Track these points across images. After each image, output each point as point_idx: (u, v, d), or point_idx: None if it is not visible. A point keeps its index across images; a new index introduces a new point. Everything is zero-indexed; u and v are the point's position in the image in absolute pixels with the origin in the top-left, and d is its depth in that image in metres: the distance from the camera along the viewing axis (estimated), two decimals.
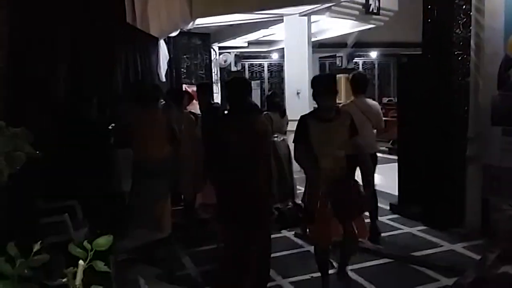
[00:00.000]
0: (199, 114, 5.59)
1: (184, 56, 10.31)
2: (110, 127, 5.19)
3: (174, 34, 8.81)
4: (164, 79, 8.79)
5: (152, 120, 4.66)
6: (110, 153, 4.90)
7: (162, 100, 5.78)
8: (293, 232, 5.20)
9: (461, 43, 4.84)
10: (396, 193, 5.94)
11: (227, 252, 3.33)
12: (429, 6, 5.06)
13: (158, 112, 4.87)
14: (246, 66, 16.68)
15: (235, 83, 3.52)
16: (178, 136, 4.91)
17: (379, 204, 5.18)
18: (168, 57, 8.94)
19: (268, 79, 17.39)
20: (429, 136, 5.22)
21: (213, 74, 11.62)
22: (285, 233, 5.25)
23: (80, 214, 4.17)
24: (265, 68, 17.18)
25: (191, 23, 7.45)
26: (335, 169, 3.28)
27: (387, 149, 9.92)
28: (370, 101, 5.07)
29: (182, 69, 10.31)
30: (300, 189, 7.54)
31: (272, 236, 5.00)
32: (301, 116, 3.42)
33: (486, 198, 4.72)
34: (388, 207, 5.93)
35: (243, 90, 3.45)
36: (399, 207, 5.82)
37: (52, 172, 3.83)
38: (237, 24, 9.28)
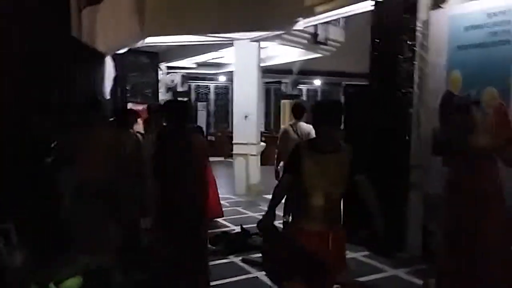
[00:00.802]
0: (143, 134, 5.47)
1: (131, 74, 10.07)
2: (52, 145, 4.91)
3: (121, 51, 8.61)
4: (108, 97, 8.52)
5: (93, 138, 4.41)
6: (51, 172, 4.62)
7: (110, 118, 5.58)
8: (240, 258, 5.13)
9: (405, 77, 5.10)
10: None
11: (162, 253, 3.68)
12: (377, 40, 5.30)
13: (100, 130, 4.60)
14: (193, 87, 16.62)
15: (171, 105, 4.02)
16: (122, 156, 4.72)
17: None
18: (114, 74, 8.70)
19: (215, 101, 17.41)
20: (373, 163, 5.39)
21: (159, 93, 11.44)
22: (232, 258, 5.16)
23: (15, 239, 3.88)
24: (212, 90, 17.20)
25: (140, 42, 7.32)
26: (327, 208, 2.85)
27: None
28: (305, 125, 5.84)
29: (128, 87, 10.06)
30: (246, 213, 7.60)
31: (220, 261, 4.98)
32: (296, 144, 3.08)
33: (426, 225, 4.92)
34: None
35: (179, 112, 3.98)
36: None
37: None
38: (187, 45, 9.24)
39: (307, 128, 5.81)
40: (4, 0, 4.91)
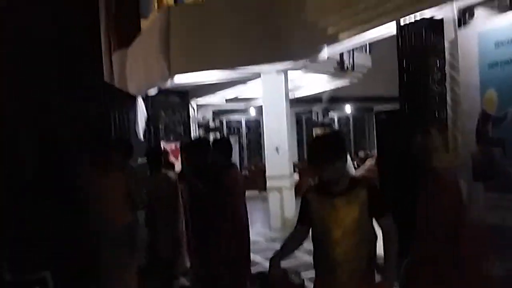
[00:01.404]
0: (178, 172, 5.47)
1: (162, 113, 10.29)
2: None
3: (152, 92, 8.83)
4: (142, 138, 8.70)
5: (116, 182, 4.36)
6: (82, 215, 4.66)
7: (140, 159, 5.66)
8: None
9: (437, 99, 4.93)
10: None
11: None
12: (404, 63, 5.18)
13: (122, 174, 4.50)
14: (224, 122, 16.78)
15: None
16: (144, 200, 4.73)
17: None
18: (146, 115, 8.90)
19: (246, 134, 17.49)
20: (409, 192, 5.17)
21: (192, 130, 11.59)
22: None
23: (52, 286, 3.90)
24: (243, 124, 17.31)
25: (169, 81, 7.47)
26: (345, 259, 2.41)
27: None
28: None
29: (161, 127, 10.25)
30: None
31: None
32: (306, 189, 2.71)
33: None
34: None
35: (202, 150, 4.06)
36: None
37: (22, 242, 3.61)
38: (215, 81, 9.36)
39: None
40: (41, 47, 5.08)
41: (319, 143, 2.56)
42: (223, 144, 4.61)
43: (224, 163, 4.42)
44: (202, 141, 5.10)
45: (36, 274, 3.86)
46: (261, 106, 9.55)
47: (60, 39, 5.27)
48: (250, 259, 4.69)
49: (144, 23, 8.78)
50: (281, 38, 6.17)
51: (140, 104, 8.64)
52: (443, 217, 3.01)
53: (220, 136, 14.74)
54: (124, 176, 4.42)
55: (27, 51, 4.45)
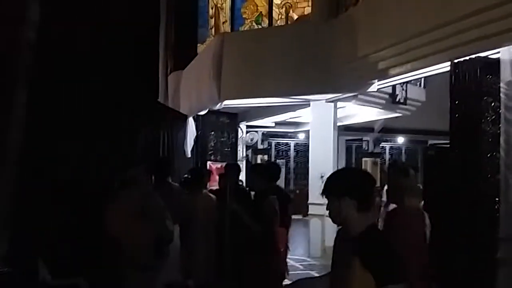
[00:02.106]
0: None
1: (211, 133, 10.50)
2: None
3: (203, 112, 9.06)
4: (189, 155, 8.91)
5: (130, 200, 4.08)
6: None
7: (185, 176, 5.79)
8: None
9: (490, 140, 4.72)
10: None
11: None
12: (457, 101, 5.02)
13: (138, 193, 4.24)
14: (273, 145, 16.85)
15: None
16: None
17: None
18: (195, 134, 9.13)
19: (294, 158, 17.43)
20: (457, 235, 4.95)
21: (239, 151, 11.73)
22: None
23: None
24: (291, 148, 17.29)
25: (219, 104, 7.65)
26: None
27: None
28: None
29: (209, 146, 10.46)
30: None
31: None
32: None
33: None
34: None
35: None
36: None
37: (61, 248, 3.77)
38: (264, 106, 9.48)
39: None
40: (98, 68, 5.34)
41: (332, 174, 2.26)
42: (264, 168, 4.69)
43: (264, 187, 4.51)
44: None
45: (72, 279, 3.97)
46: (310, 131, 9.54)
47: (121, 57, 5.57)
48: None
49: (200, 48, 9.11)
50: (331, 71, 6.17)
51: (191, 124, 8.87)
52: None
53: (267, 159, 14.82)
54: (140, 195, 4.17)
55: (90, 67, 4.69)
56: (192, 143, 9.07)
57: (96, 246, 4.22)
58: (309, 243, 8.84)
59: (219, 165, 10.00)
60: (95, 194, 4.52)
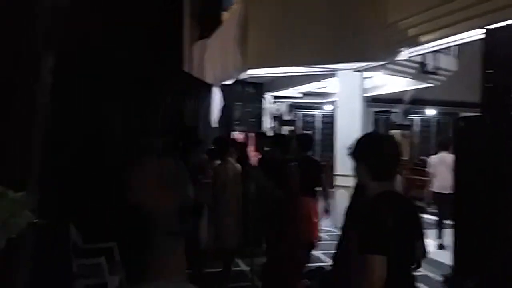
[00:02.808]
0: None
1: (237, 104, 10.50)
2: None
3: (228, 82, 9.03)
4: (215, 125, 8.96)
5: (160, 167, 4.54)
6: None
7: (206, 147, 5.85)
8: None
9: None
10: (451, 263, 5.48)
11: None
12: (488, 70, 4.83)
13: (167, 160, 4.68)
14: (299, 116, 16.73)
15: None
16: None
17: (429, 274, 4.86)
18: (222, 104, 9.14)
19: (322, 129, 17.29)
20: (488, 203, 4.84)
21: (264, 122, 11.73)
22: None
23: (118, 257, 4.15)
24: (318, 119, 17.13)
25: (244, 73, 7.60)
26: None
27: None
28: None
29: (234, 117, 10.49)
30: None
31: None
32: None
33: None
34: (440, 279, 5.48)
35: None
36: (453, 280, 5.35)
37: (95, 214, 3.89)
38: (291, 75, 9.36)
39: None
40: (121, 34, 5.35)
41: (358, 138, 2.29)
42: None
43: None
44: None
45: (105, 244, 4.11)
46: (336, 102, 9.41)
47: (145, 27, 5.56)
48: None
49: (225, 16, 8.99)
50: (359, 39, 5.99)
51: (216, 93, 8.87)
52: None
53: (294, 130, 14.74)
54: (168, 162, 4.55)
55: (109, 34, 4.68)
56: (218, 113, 9.10)
57: (123, 212, 4.35)
58: (335, 214, 8.84)
59: (244, 136, 10.05)
60: (122, 162, 4.63)
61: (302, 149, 5.62)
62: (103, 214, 4.20)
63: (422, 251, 2.30)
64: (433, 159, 7.50)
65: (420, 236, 2.28)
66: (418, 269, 2.35)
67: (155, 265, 4.36)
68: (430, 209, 9.22)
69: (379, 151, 2.10)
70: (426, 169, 7.59)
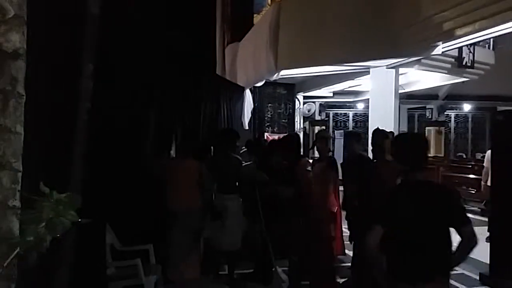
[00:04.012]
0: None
1: (268, 105, 10.55)
2: None
3: (260, 84, 9.08)
4: (247, 127, 9.02)
5: (188, 169, 4.65)
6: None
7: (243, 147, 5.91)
8: None
9: None
10: (488, 262, 5.35)
11: None
12: None
13: (195, 162, 4.75)
14: (331, 115, 16.62)
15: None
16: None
17: (466, 272, 4.75)
18: (252, 106, 9.20)
19: (353, 128, 17.12)
20: None
21: (296, 123, 11.72)
22: None
23: (153, 260, 4.25)
24: (350, 118, 16.97)
25: (276, 75, 7.62)
26: None
27: (479, 210, 9.13)
28: None
29: (266, 117, 10.53)
30: None
31: None
32: None
33: None
34: (477, 277, 5.35)
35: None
36: (490, 278, 5.22)
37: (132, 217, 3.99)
38: (322, 75, 9.33)
39: None
40: (155, 42, 5.48)
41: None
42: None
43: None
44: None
45: (141, 246, 4.21)
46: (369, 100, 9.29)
47: (178, 31, 5.67)
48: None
49: (257, 19, 9.05)
50: (393, 34, 5.91)
51: (248, 96, 8.94)
52: None
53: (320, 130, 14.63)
54: (196, 164, 4.67)
55: (148, 42, 4.78)
56: (250, 115, 9.16)
57: (155, 213, 4.49)
58: None
59: (276, 137, 10.07)
60: (156, 164, 4.76)
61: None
62: (140, 216, 4.30)
63: (468, 238, 2.35)
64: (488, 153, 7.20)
65: (461, 223, 2.36)
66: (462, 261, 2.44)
67: (181, 264, 4.45)
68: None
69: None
70: (484, 164, 7.19)
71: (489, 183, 6.64)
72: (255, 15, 9.28)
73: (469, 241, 2.35)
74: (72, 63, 2.69)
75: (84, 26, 2.65)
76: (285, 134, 6.58)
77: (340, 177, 4.89)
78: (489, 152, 6.98)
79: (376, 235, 2.48)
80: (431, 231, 2.37)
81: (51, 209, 1.46)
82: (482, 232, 5.63)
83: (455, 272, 2.44)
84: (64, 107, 2.65)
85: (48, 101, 2.36)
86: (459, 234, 2.37)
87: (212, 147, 5.77)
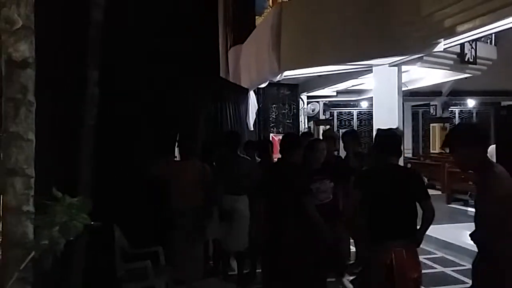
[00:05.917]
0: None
1: (273, 106, 10.58)
2: None
3: (263, 85, 9.12)
4: (252, 128, 9.06)
5: (191, 168, 4.71)
6: None
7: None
8: None
9: None
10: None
11: None
12: None
13: (198, 162, 4.84)
14: (335, 115, 16.64)
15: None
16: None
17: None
18: (257, 107, 9.24)
19: (358, 127, 17.13)
20: None
21: (301, 123, 11.74)
22: None
23: (163, 261, 4.28)
24: (354, 117, 16.98)
25: (279, 76, 7.66)
26: None
27: None
28: None
29: (271, 118, 10.56)
30: None
31: None
32: None
33: None
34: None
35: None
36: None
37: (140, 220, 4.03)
38: (326, 74, 9.35)
39: None
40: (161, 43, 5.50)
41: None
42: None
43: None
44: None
45: (151, 248, 4.23)
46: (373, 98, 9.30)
47: (180, 34, 5.71)
48: None
49: (258, 20, 9.10)
50: (394, 32, 5.93)
51: (252, 97, 8.98)
52: None
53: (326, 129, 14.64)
54: (200, 165, 4.76)
55: (149, 47, 4.81)
56: (254, 116, 9.20)
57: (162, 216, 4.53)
58: None
59: (281, 137, 10.08)
60: (161, 166, 4.80)
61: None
62: (149, 218, 4.34)
63: (427, 210, 3.04)
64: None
65: (422, 198, 3.04)
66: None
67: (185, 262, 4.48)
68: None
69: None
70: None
71: None
72: (256, 16, 9.33)
73: (428, 212, 3.02)
74: (78, 70, 2.75)
75: (88, 31, 2.70)
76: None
77: None
78: (493, 146, 6.99)
79: (355, 196, 3.19)
80: (400, 202, 2.99)
81: (64, 213, 1.51)
82: None
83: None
84: (72, 113, 2.70)
85: (57, 107, 2.41)
86: (421, 207, 3.03)
87: (217, 149, 5.81)
